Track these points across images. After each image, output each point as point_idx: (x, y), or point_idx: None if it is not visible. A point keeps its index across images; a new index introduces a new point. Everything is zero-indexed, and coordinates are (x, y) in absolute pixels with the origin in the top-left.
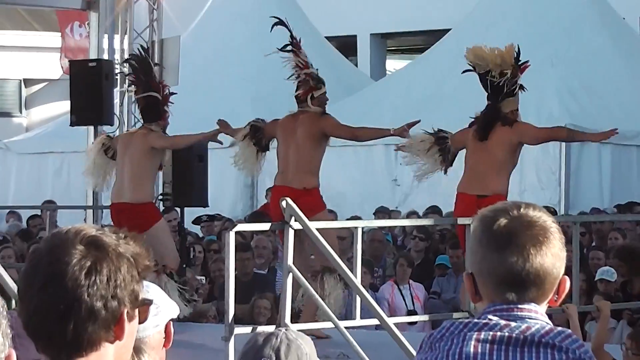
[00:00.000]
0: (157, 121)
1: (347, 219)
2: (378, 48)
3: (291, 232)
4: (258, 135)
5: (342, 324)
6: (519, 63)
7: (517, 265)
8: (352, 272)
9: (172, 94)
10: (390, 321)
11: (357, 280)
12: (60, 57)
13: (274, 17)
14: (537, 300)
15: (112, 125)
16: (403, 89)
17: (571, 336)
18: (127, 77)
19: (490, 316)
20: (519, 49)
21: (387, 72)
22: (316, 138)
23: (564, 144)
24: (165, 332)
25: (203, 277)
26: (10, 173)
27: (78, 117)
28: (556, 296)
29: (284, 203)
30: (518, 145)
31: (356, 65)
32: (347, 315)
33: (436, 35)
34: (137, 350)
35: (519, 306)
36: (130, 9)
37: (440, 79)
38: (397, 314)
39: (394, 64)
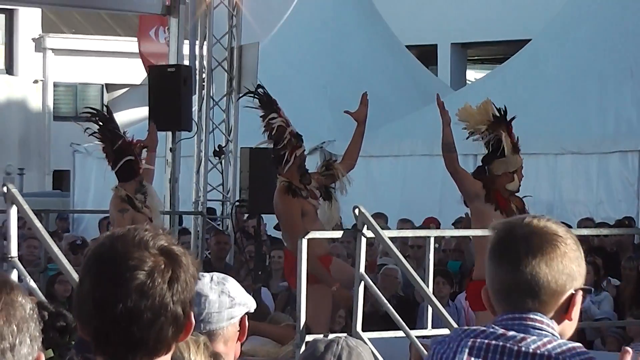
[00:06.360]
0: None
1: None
2: (458, 57)
3: (363, 240)
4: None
5: (414, 333)
6: (501, 119)
7: (508, 274)
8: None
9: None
10: None
11: (429, 290)
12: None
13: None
14: (539, 312)
15: (190, 130)
16: (481, 99)
17: (575, 349)
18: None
19: (494, 324)
20: (499, 108)
21: (467, 81)
22: None
23: None
24: (240, 325)
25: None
26: (90, 177)
27: (156, 122)
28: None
29: (356, 211)
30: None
31: (436, 74)
32: (420, 324)
33: (516, 45)
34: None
35: (524, 315)
36: (210, 15)
37: (519, 89)
38: (472, 323)
39: (474, 74)
